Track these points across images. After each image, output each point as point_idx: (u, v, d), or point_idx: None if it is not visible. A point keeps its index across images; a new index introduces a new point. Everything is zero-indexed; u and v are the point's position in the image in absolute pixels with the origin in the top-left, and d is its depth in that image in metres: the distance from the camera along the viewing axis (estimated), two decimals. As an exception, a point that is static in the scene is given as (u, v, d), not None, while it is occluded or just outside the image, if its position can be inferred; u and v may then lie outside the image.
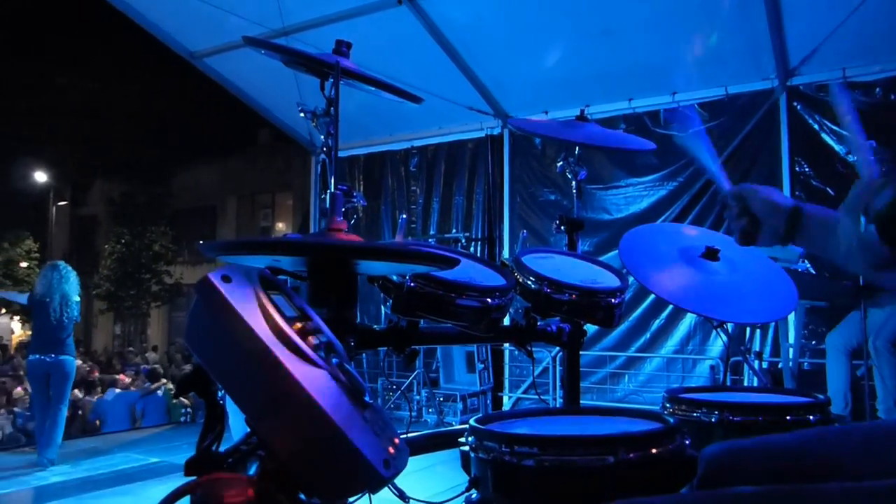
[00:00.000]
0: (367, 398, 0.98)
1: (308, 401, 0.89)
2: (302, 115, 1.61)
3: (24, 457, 6.09)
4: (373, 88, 1.90)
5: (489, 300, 1.69)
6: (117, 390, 8.77)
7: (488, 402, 7.81)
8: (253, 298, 0.99)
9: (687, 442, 1.40)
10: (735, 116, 6.51)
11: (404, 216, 7.89)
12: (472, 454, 1.45)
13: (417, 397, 7.89)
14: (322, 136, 1.58)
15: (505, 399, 7.74)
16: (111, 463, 6.27)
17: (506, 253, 7.84)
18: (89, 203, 29.34)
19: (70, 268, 6.49)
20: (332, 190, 1.53)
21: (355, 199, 1.64)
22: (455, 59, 7.02)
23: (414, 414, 7.87)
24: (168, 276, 23.42)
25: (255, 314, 0.96)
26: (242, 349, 0.94)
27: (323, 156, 1.69)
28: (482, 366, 7.78)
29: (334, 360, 1.00)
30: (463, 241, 8.09)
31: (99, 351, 18.15)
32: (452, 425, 7.45)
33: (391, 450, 0.95)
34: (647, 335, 6.85)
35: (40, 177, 26.80)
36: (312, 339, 0.99)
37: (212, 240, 26.36)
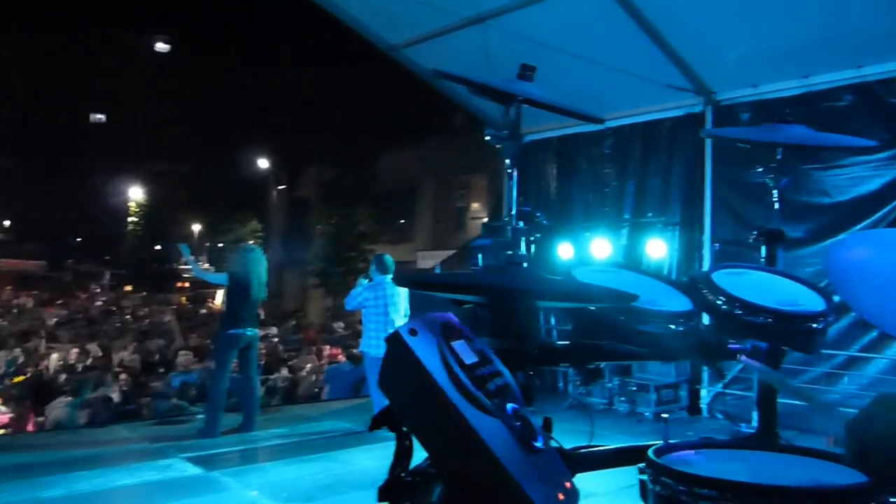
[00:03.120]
0: (539, 443, 1.03)
1: (484, 450, 0.96)
2: (488, 138, 1.65)
3: (236, 418, 6.80)
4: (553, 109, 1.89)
5: (672, 326, 1.64)
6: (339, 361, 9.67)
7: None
8: (436, 349, 1.08)
9: (892, 500, 1.27)
10: None
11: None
12: (650, 485, 1.43)
13: (609, 385, 7.79)
14: (507, 160, 1.61)
15: (703, 393, 7.40)
16: (323, 429, 6.91)
17: (706, 237, 7.42)
18: (302, 187, 32.23)
19: (261, 251, 7.05)
20: (514, 223, 1.56)
21: (538, 218, 1.67)
22: (652, 34, 6.74)
23: (605, 401, 7.78)
24: (372, 255, 25.10)
25: (438, 365, 1.05)
26: (426, 398, 1.03)
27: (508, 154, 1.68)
28: (679, 356, 7.48)
29: (510, 406, 1.06)
30: (660, 225, 7.79)
31: (315, 323, 19.99)
32: (643, 416, 7.26)
33: (561, 496, 0.99)
34: (874, 332, 6.12)
35: (263, 164, 30.10)
36: (490, 386, 1.06)
37: (411, 219, 27.78)
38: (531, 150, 8.89)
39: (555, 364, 1.80)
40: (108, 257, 50.72)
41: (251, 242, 7.74)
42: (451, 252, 20.65)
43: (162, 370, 9.91)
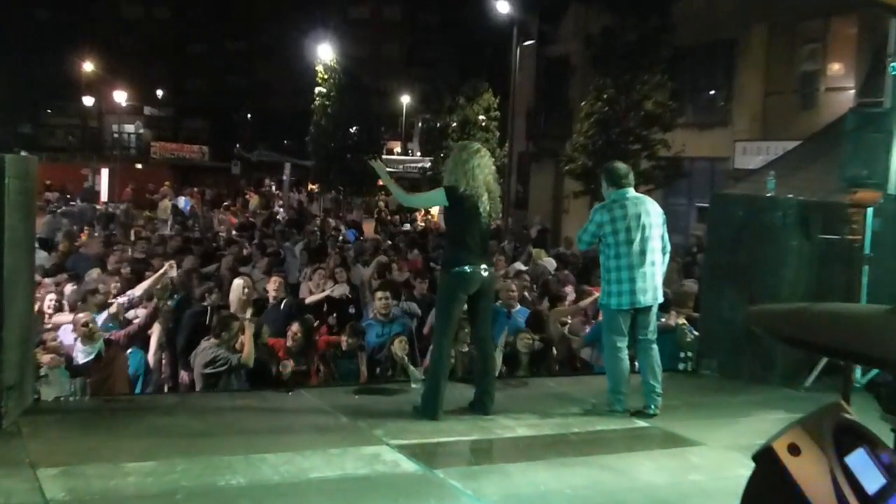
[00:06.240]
0: None
1: None
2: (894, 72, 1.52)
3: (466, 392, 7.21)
4: None
5: None
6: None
7: None
8: (827, 475, 1.09)
9: None
10: None
11: None
12: None
13: None
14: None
15: None
16: (587, 416, 7.11)
17: None
18: (560, 41, 32.21)
19: (487, 153, 6.95)
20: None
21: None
22: None
23: None
24: (664, 148, 24.33)
25: (828, 499, 1.05)
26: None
27: None
28: None
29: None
30: None
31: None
32: None
33: None
34: None
35: (502, 7, 29.63)
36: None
37: (727, 91, 26.71)
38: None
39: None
40: (286, 141, 55.11)
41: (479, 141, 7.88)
42: (791, 144, 19.52)
43: (352, 310, 10.72)
